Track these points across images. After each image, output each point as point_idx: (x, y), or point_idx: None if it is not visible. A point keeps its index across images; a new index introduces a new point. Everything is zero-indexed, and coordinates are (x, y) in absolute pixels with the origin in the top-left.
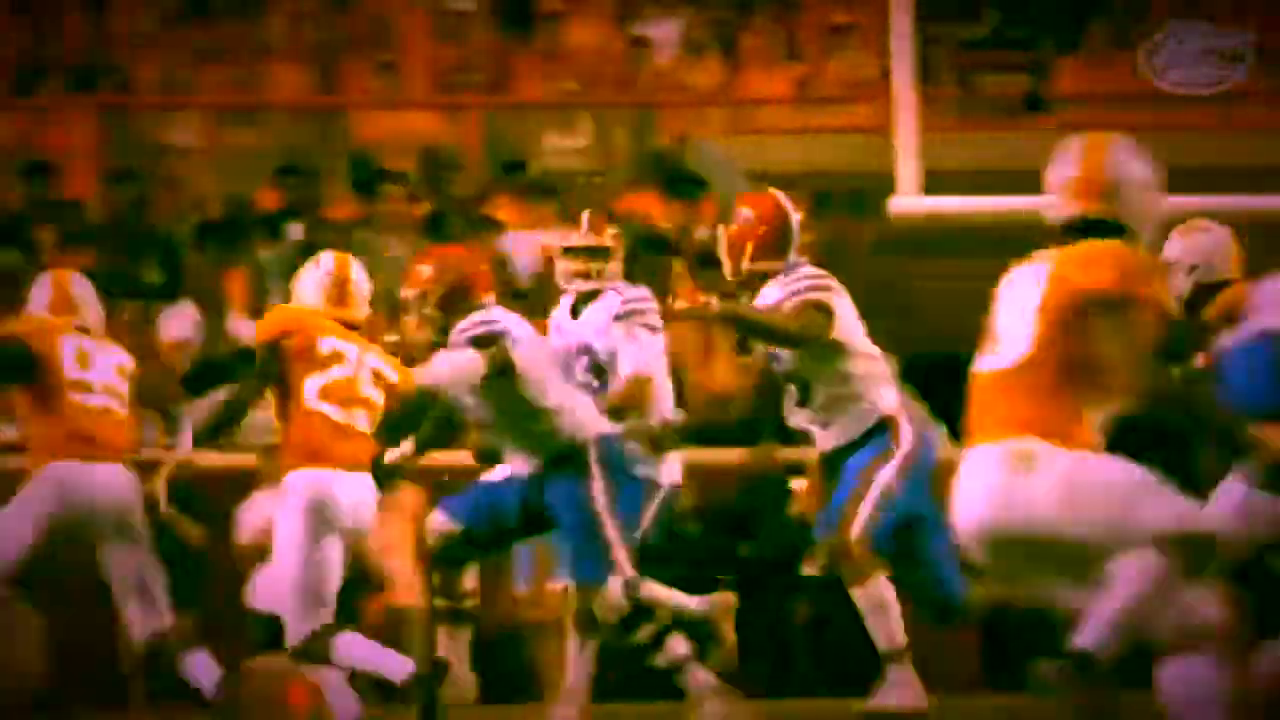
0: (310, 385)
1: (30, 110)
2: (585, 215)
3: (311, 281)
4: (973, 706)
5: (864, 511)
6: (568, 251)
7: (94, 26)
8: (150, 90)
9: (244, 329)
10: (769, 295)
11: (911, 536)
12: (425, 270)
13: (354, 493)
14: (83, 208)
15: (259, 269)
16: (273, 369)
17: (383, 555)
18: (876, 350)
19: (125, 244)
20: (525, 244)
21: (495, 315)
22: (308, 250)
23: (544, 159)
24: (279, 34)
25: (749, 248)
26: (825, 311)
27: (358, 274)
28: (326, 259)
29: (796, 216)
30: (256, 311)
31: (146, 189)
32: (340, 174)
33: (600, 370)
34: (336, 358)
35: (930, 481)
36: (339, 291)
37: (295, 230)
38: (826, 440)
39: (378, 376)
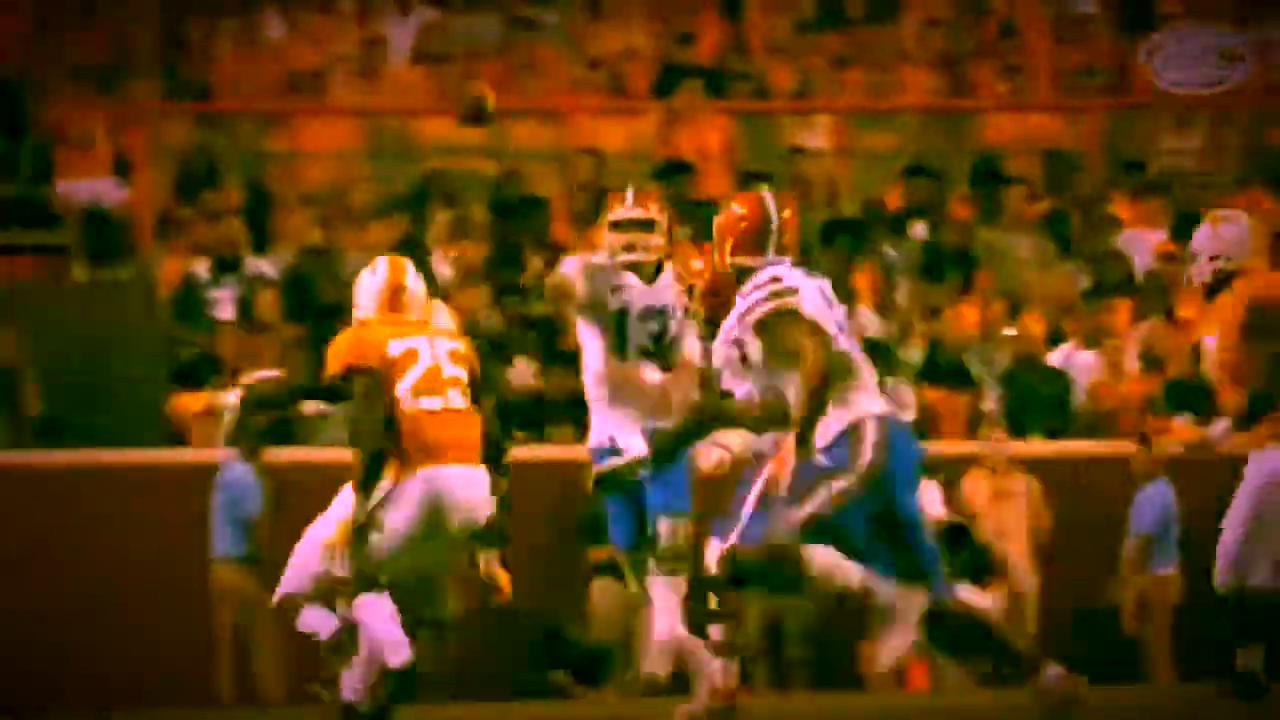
0: (401, 389)
1: (666, 113)
2: (630, 190)
3: (367, 289)
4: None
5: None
6: (616, 225)
7: (731, 33)
8: (784, 94)
9: (870, 321)
10: (741, 301)
11: (896, 536)
12: (697, 264)
13: (467, 489)
14: (717, 207)
15: (886, 265)
16: (351, 392)
17: (999, 541)
18: (848, 348)
19: None
20: (1142, 241)
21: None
22: (932, 249)
23: (1161, 159)
24: (911, 40)
25: (729, 243)
26: (794, 315)
27: (411, 280)
28: (382, 266)
29: (780, 216)
30: (884, 306)
31: (778, 188)
32: (964, 174)
33: (660, 338)
34: (411, 356)
35: (900, 485)
36: (393, 298)
37: (920, 229)
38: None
39: (454, 355)
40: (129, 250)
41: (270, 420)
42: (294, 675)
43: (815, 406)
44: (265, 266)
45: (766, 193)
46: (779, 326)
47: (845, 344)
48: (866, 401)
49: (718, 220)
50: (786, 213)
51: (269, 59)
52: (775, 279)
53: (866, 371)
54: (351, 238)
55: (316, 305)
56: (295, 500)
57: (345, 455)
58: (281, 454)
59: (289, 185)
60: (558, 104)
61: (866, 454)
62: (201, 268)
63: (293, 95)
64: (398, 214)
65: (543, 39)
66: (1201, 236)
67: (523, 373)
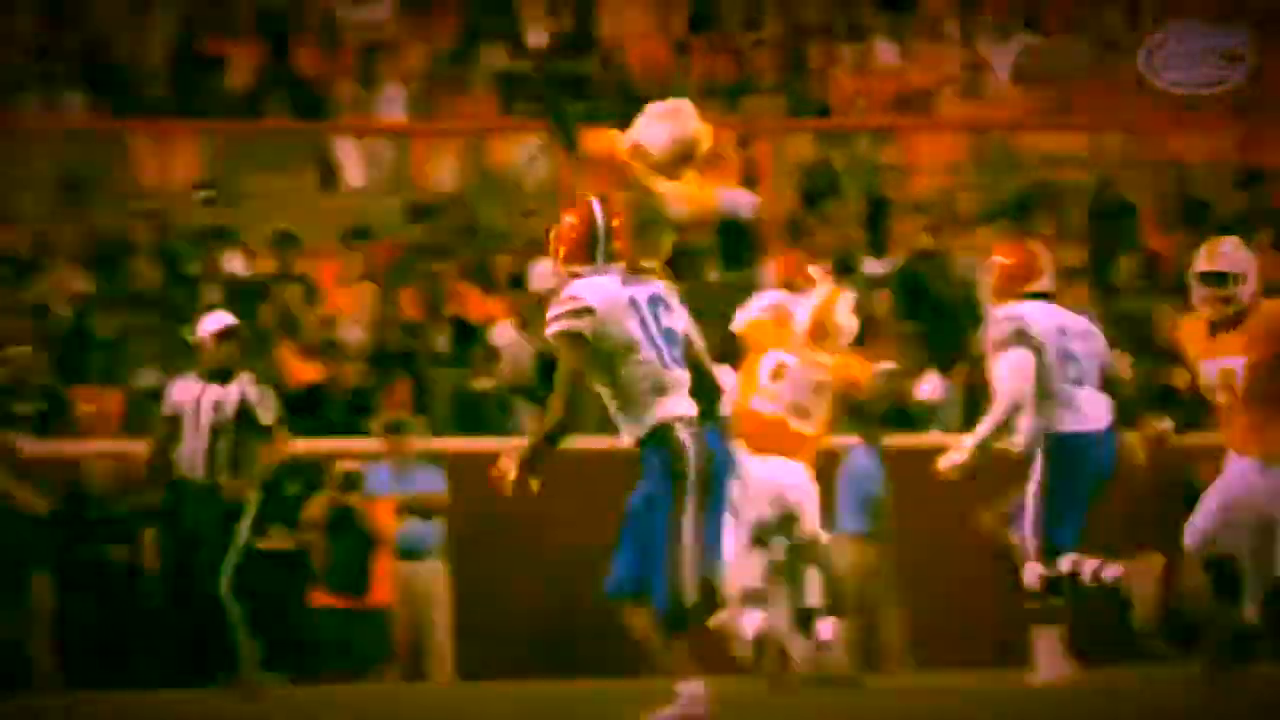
0: None
1: (1244, 127)
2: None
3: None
4: None
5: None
6: None
7: None
8: None
9: None
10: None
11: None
12: (997, 259)
13: None
14: None
15: None
16: None
17: None
18: (654, 357)
19: None
20: None
21: (1020, 311)
22: None
23: None
24: None
25: (561, 250)
26: (576, 339)
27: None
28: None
29: (608, 224)
30: None
31: None
32: None
33: None
34: None
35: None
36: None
37: None
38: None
39: None
40: (759, 254)
41: (887, 406)
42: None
43: (546, 436)
44: (879, 268)
45: (596, 201)
46: (564, 348)
47: (656, 353)
48: (674, 405)
49: (554, 228)
50: (616, 221)
51: (882, 79)
52: (574, 298)
53: (679, 376)
54: (959, 242)
55: (928, 304)
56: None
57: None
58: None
59: (901, 194)
60: (1142, 120)
61: (691, 457)
62: None
63: (904, 112)
64: (1002, 220)
65: (1130, 59)
66: (1241, 258)
67: (1121, 364)
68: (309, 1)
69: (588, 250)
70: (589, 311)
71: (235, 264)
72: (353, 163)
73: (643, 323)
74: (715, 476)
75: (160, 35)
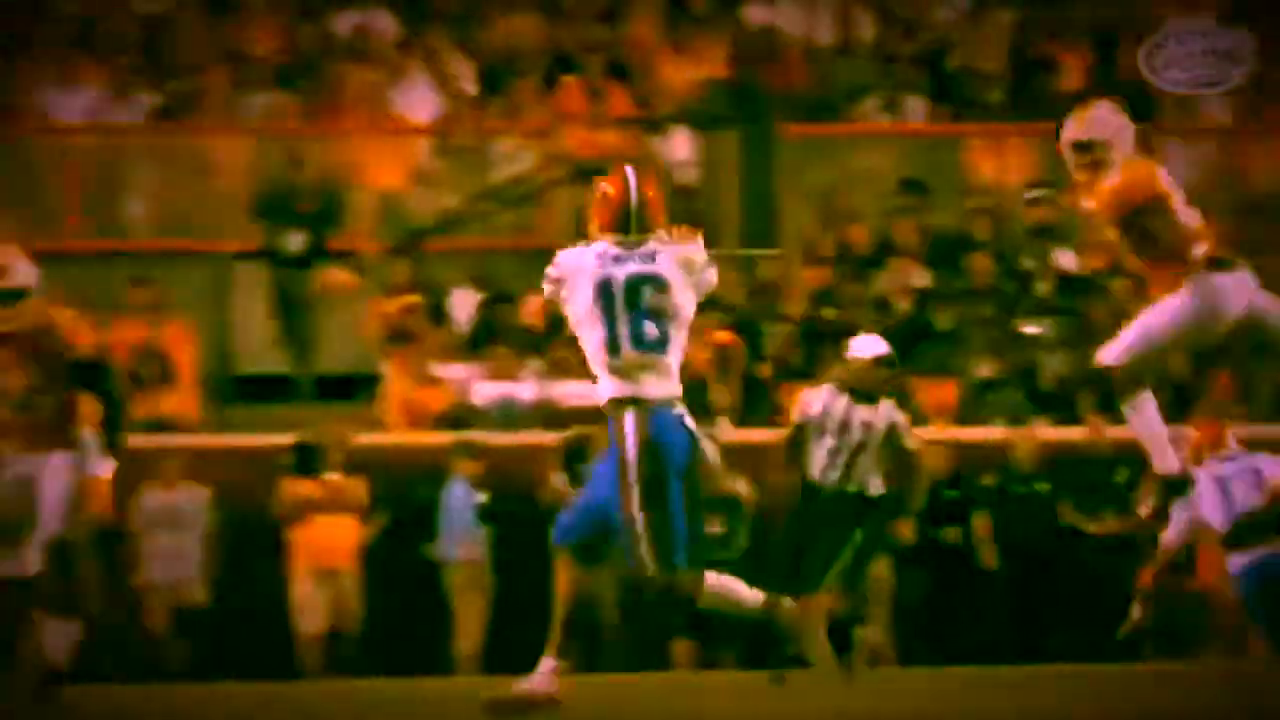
0: None
1: None
2: None
3: None
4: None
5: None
6: None
7: None
8: None
9: None
10: None
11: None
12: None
13: None
14: None
15: None
16: None
17: None
18: (604, 338)
19: None
20: None
21: None
22: None
23: None
24: None
25: (597, 219)
26: (551, 302)
27: None
28: None
29: (641, 194)
30: None
31: None
32: None
33: None
34: None
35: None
36: None
37: None
38: None
39: None
40: None
41: None
42: None
43: None
44: None
45: (630, 171)
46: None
47: (610, 336)
48: (622, 387)
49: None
50: (650, 191)
51: None
52: (554, 264)
53: (639, 360)
54: None
55: None
56: None
57: None
58: None
59: None
60: None
61: (630, 449)
62: None
63: None
64: None
65: None
66: None
67: None
68: (1138, 6)
69: (619, 219)
70: (557, 281)
71: (1067, 260)
72: (1178, 164)
73: (607, 302)
74: (665, 464)
75: (996, 41)
